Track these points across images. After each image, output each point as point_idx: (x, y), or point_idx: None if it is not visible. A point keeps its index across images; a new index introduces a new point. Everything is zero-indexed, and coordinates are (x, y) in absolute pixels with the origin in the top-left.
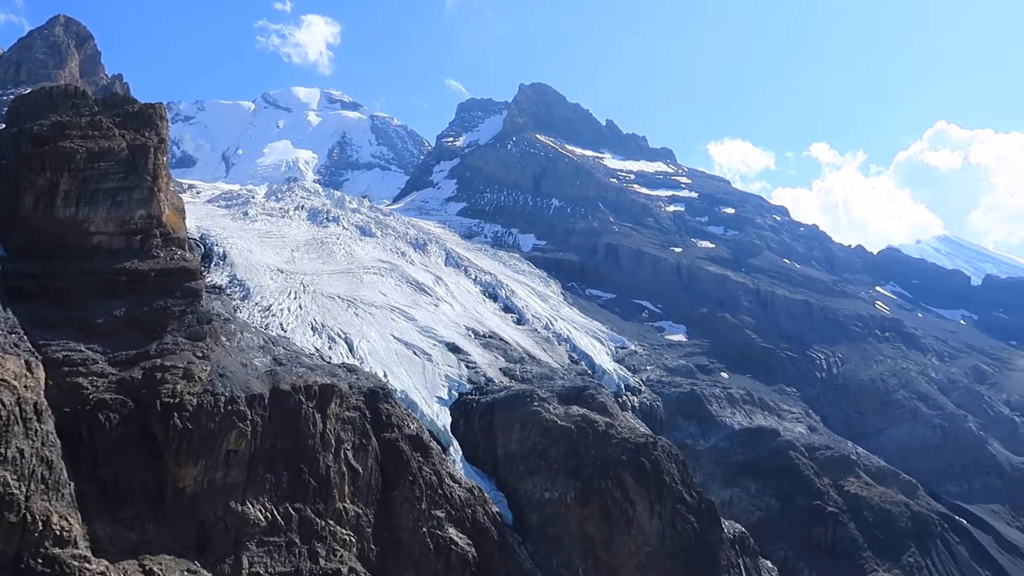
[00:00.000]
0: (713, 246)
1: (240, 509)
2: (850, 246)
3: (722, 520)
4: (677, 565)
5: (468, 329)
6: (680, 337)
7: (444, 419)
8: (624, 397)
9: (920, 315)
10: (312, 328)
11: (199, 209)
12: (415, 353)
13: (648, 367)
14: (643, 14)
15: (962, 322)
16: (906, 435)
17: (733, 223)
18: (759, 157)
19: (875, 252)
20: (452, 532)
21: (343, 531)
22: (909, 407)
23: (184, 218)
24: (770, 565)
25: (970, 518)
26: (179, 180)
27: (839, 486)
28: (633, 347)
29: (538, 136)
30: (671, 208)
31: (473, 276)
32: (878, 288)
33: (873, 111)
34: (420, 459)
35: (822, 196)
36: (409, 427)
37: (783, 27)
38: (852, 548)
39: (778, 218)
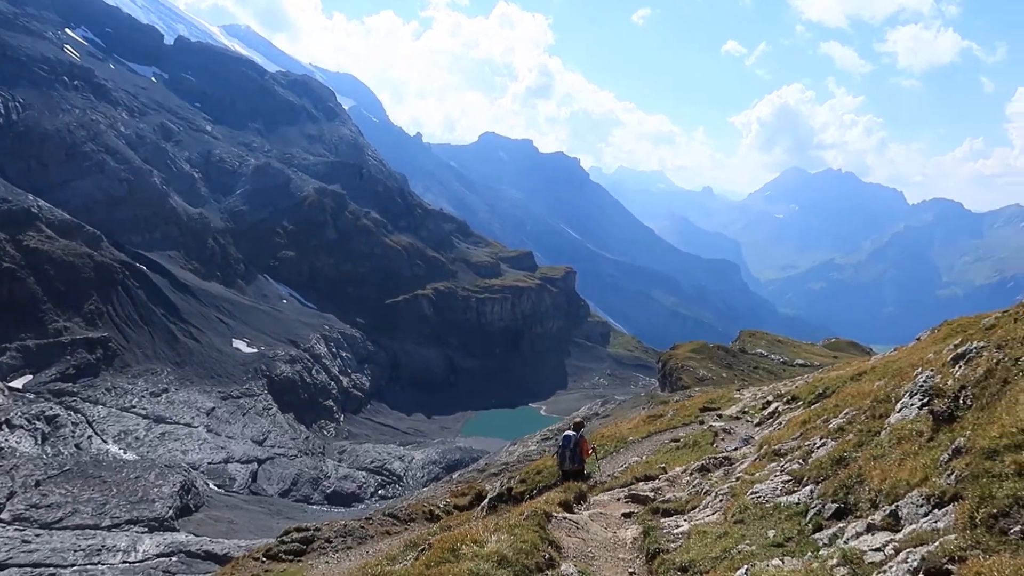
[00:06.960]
0: None
1: None
2: None
3: None
4: None
5: None
6: None
7: None
8: None
9: (112, 67)
10: None
11: None
12: None
13: None
14: None
15: (153, 80)
16: (92, 188)
17: None
18: None
19: None
20: None
21: None
22: (97, 160)
23: None
24: None
25: (149, 264)
26: None
27: (18, 241)
28: None
29: None
30: None
31: None
32: (68, 31)
33: None
34: None
35: None
36: None
37: None
38: (32, 302)
39: None
